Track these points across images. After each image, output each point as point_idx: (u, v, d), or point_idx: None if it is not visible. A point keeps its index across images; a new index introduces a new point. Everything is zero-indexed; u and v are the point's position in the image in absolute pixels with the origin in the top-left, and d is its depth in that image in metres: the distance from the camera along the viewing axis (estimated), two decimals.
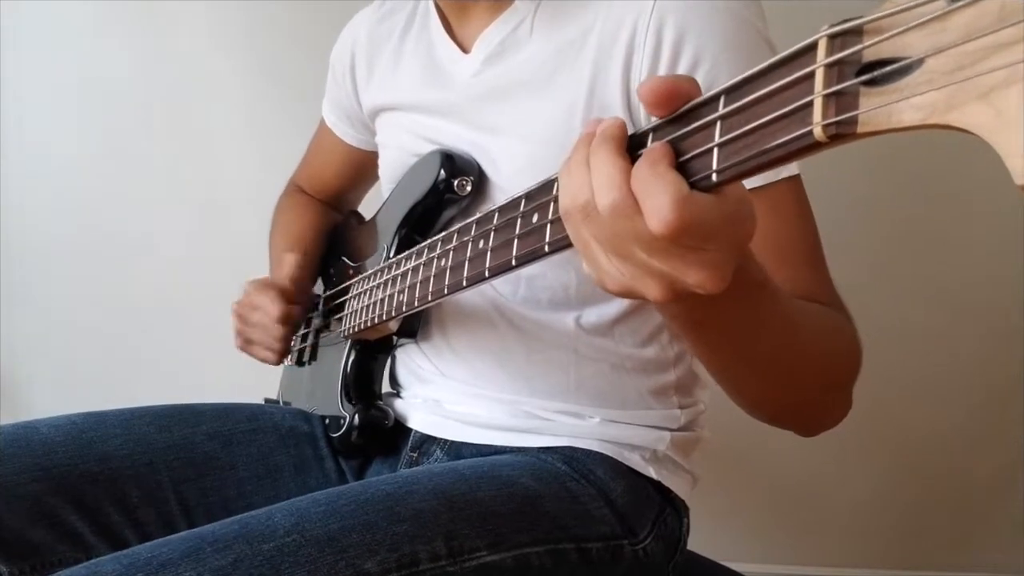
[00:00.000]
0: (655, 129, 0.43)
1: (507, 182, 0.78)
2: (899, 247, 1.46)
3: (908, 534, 1.56)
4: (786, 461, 1.44)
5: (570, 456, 0.77)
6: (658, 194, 0.39)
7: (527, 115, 0.76)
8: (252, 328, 0.93)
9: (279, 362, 0.94)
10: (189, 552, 0.57)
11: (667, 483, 0.80)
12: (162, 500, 0.80)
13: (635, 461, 0.78)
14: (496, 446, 0.80)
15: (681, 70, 0.67)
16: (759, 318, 0.53)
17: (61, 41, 1.55)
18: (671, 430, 0.81)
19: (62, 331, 1.63)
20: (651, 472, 0.79)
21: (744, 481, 1.52)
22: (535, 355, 0.80)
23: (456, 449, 0.82)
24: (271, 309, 0.90)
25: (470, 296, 0.80)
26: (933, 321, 1.47)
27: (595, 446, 0.78)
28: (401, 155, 0.88)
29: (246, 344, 0.95)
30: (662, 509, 0.79)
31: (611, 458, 0.78)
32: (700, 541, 0.90)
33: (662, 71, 0.68)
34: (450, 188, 0.79)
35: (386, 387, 0.93)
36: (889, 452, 1.52)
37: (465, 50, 0.82)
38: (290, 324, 0.91)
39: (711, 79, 0.67)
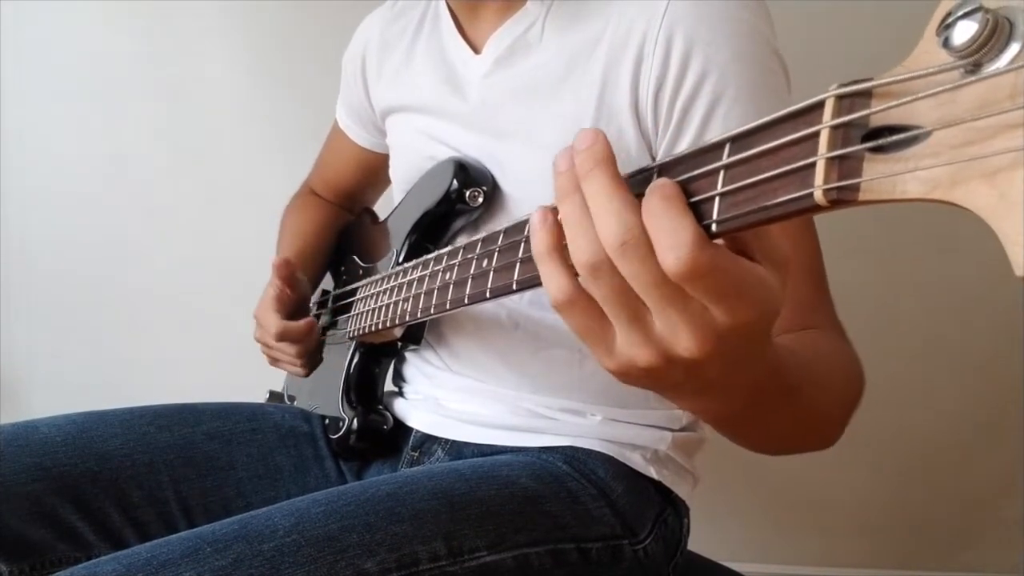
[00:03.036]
0: (661, 168, 0.42)
1: (516, 188, 0.78)
2: (899, 247, 1.46)
3: (908, 534, 1.56)
4: (786, 461, 1.44)
5: (571, 456, 0.77)
6: (678, 231, 0.37)
7: (536, 120, 0.76)
8: (272, 349, 0.93)
9: (309, 374, 0.93)
10: (189, 552, 0.57)
11: (668, 483, 0.80)
12: (162, 500, 0.80)
13: (636, 461, 0.78)
14: (497, 446, 0.80)
15: (689, 78, 0.67)
16: (769, 401, 0.50)
17: (63, 41, 1.55)
18: (672, 430, 0.81)
19: (62, 331, 1.63)
20: (652, 472, 0.79)
21: (744, 481, 1.52)
22: (540, 352, 0.80)
23: (457, 449, 0.82)
24: (270, 328, 0.89)
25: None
26: (933, 321, 1.47)
27: (596, 446, 0.78)
28: (412, 157, 0.88)
29: (274, 362, 0.96)
30: (663, 509, 0.79)
31: (612, 458, 0.78)
32: (700, 541, 0.90)
33: (671, 79, 0.68)
34: (462, 198, 0.79)
35: (389, 384, 0.93)
36: (889, 452, 1.52)
37: (476, 50, 0.82)
38: (291, 339, 0.88)
39: (719, 89, 0.67)
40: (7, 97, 1.54)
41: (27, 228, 1.60)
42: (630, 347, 0.41)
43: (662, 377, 0.42)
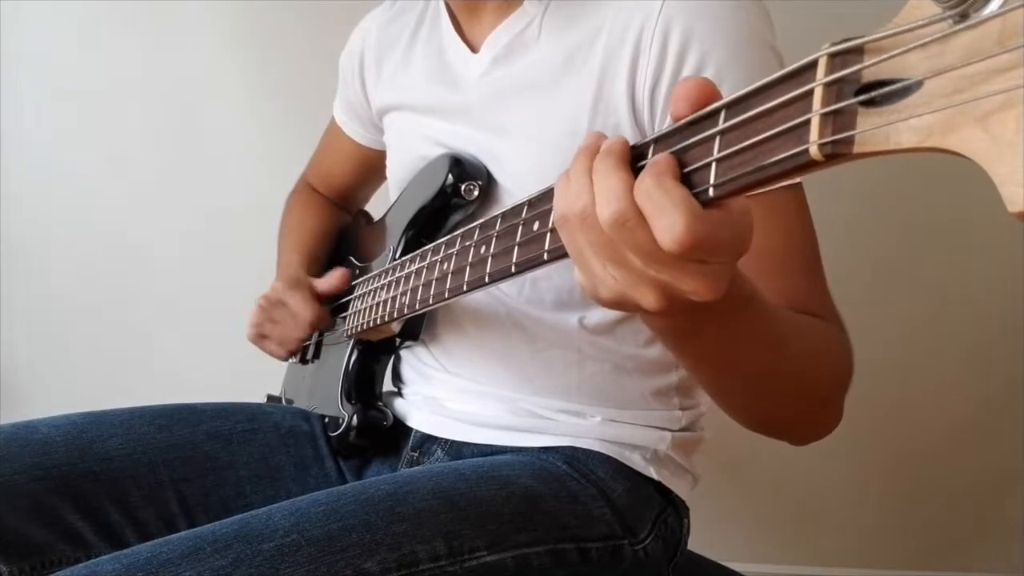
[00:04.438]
0: (656, 141, 0.43)
1: (514, 185, 0.78)
2: (899, 247, 1.45)
3: (908, 534, 1.56)
4: (786, 461, 1.44)
5: (571, 456, 0.77)
6: (671, 212, 0.39)
7: (534, 117, 0.76)
8: (273, 324, 0.93)
9: (286, 359, 0.94)
10: (189, 552, 0.57)
11: (668, 483, 0.80)
12: (162, 500, 0.80)
13: (636, 461, 0.78)
14: (497, 446, 0.80)
15: (685, 74, 0.67)
16: (746, 332, 0.53)
17: (62, 41, 1.55)
18: (672, 431, 0.81)
19: (62, 331, 1.63)
20: (652, 472, 0.79)
21: (744, 481, 1.52)
22: (538, 353, 0.80)
23: (457, 448, 0.82)
24: (304, 312, 0.90)
25: (476, 295, 0.81)
26: (933, 321, 1.47)
27: (596, 446, 0.78)
28: (409, 157, 0.88)
29: (259, 338, 0.96)
30: (662, 509, 0.79)
31: (612, 458, 0.78)
32: (700, 541, 0.90)
33: (666, 76, 0.68)
34: (457, 192, 0.79)
35: (388, 385, 0.93)
36: (889, 452, 1.52)
37: (474, 50, 0.82)
38: (316, 328, 0.92)
39: None
40: (7, 97, 1.54)
41: (27, 228, 1.60)
42: (629, 287, 0.43)
43: (656, 315, 0.45)
